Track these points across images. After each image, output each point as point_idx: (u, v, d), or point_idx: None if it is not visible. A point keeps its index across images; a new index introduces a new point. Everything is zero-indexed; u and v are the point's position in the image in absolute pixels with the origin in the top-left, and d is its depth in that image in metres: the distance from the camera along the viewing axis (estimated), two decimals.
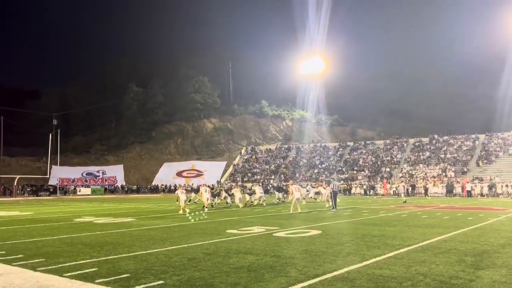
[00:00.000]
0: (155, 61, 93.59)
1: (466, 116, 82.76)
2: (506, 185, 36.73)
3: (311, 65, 72.74)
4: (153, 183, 64.05)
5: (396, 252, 7.37)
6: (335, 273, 5.77)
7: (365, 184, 48.93)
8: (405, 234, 10.00)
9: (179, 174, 66.89)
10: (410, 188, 41.15)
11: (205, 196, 20.15)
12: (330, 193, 19.98)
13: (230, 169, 65.09)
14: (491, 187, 37.63)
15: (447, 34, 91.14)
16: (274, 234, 10.08)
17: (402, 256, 7.00)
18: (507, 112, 67.00)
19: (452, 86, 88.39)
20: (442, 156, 52.25)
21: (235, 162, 67.14)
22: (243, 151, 70.93)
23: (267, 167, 63.28)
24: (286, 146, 70.92)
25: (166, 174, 66.96)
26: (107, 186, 61.51)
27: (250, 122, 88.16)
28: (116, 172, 68.03)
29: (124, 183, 63.79)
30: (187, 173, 67.07)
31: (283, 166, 62.96)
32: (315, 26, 74.59)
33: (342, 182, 50.10)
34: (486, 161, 48.19)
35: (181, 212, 18.12)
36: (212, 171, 65.76)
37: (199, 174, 66.73)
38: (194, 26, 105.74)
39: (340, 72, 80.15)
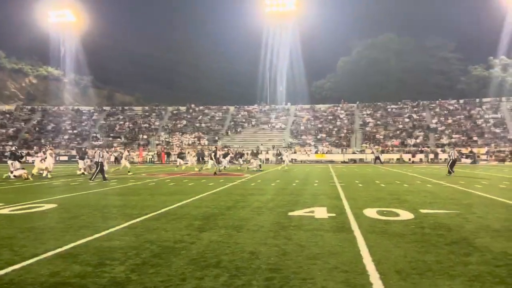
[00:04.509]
0: None
1: (222, 89, 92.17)
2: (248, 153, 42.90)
3: (64, 16, 66.02)
4: None
5: (132, 221, 7.63)
6: (59, 250, 5.54)
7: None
8: (147, 202, 10.46)
9: None
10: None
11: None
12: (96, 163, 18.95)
13: None
14: (241, 155, 43.21)
15: (216, 17, 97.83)
16: None
17: (136, 225, 7.30)
18: (255, 86, 77.69)
19: (213, 61, 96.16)
20: (198, 125, 56.72)
21: None
22: None
23: (4, 131, 55.09)
24: (29, 107, 63.18)
25: None
26: None
27: None
28: None
29: None
30: None
31: (25, 131, 56.01)
32: None
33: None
34: (234, 131, 54.96)
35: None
36: None
37: None
38: None
39: (100, 29, 75.90)
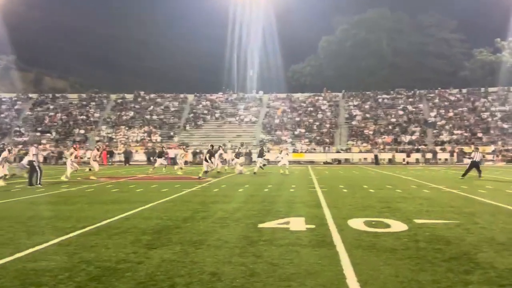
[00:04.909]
0: None
1: (179, 73, 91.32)
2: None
3: None
4: None
5: (65, 237, 7.51)
6: None
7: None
8: (84, 213, 10.33)
9: None
10: (108, 155, 42.62)
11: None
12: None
13: None
14: (195, 154, 43.21)
15: None
16: None
17: (70, 241, 7.19)
18: (220, 70, 77.45)
19: (167, 39, 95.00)
20: (148, 117, 56.15)
21: None
22: None
23: None
24: None
25: None
26: None
27: None
28: None
29: None
30: None
31: None
32: None
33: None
34: (194, 124, 54.72)
35: None
36: None
37: None
38: None
39: None
